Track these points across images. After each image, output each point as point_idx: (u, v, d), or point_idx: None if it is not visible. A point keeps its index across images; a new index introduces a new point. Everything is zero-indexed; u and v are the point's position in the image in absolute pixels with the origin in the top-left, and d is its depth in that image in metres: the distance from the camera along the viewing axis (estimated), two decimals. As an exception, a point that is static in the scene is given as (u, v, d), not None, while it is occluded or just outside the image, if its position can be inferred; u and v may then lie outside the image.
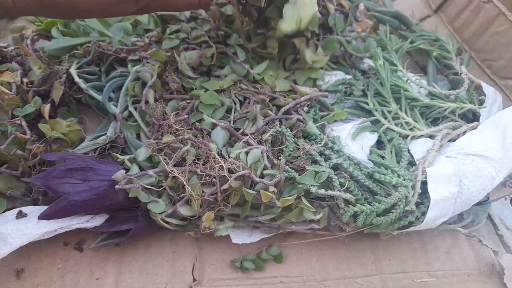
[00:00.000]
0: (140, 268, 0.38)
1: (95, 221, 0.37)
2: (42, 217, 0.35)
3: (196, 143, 0.37)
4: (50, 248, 0.39)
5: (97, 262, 0.38)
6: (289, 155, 0.36)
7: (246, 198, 0.35)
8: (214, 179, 0.36)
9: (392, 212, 0.34)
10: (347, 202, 0.35)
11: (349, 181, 0.34)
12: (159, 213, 0.36)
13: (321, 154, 0.36)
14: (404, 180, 0.34)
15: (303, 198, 0.35)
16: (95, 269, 0.38)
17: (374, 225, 0.34)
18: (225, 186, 0.35)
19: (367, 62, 0.46)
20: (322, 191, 0.33)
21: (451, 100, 0.42)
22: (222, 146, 0.38)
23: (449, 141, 0.39)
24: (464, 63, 0.49)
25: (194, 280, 0.38)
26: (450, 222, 0.38)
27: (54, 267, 0.38)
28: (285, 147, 0.35)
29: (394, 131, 0.40)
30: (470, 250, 0.40)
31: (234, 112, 0.39)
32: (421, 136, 0.40)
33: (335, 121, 0.42)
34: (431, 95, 0.43)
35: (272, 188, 0.34)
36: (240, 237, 0.38)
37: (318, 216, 0.35)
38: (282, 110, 0.39)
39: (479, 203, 0.39)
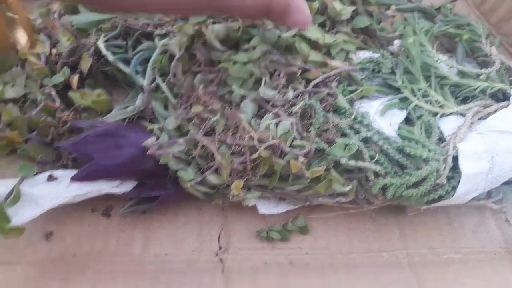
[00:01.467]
0: (168, 235, 0.38)
1: (124, 187, 0.38)
2: (74, 179, 0.35)
3: (225, 113, 0.37)
4: (79, 214, 0.39)
5: (124, 228, 0.39)
6: (319, 128, 0.36)
7: (275, 168, 0.35)
8: (243, 149, 0.36)
9: (422, 185, 0.33)
10: (376, 174, 0.34)
11: (379, 154, 0.34)
12: (189, 181, 0.36)
13: (350, 127, 0.36)
14: (435, 154, 0.34)
15: (332, 170, 0.35)
16: (123, 235, 0.38)
17: (404, 198, 0.34)
18: (255, 156, 0.35)
19: (396, 44, 0.46)
20: (352, 162, 0.33)
21: (482, 80, 0.42)
22: (251, 118, 0.38)
23: (480, 119, 0.39)
24: (495, 45, 0.49)
25: (220, 248, 0.38)
26: (479, 198, 0.38)
27: (83, 231, 0.38)
28: (315, 120, 0.35)
29: (423, 108, 0.39)
30: (497, 229, 0.40)
31: (264, 85, 0.39)
32: (450, 114, 0.39)
33: (362, 97, 0.41)
34: (461, 74, 0.43)
35: (301, 158, 0.34)
36: (267, 208, 0.38)
37: (347, 188, 0.35)
38: (312, 83, 0.39)
39: (507, 183, 0.39)
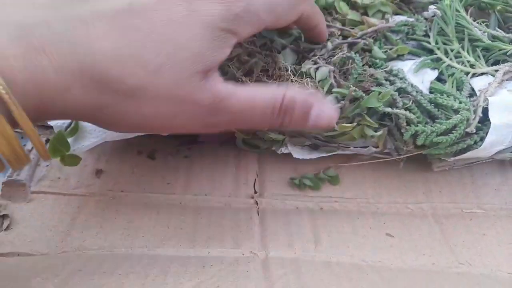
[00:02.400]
0: (207, 178, 0.41)
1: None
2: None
3: (264, 56, 0.39)
4: (125, 155, 0.43)
5: (168, 169, 0.42)
6: (356, 78, 0.37)
7: None
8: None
9: (452, 133, 0.35)
10: (408, 122, 0.36)
11: (412, 102, 0.36)
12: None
13: (386, 79, 0.38)
14: (465, 105, 0.36)
15: (365, 116, 0.36)
16: (167, 175, 0.41)
17: (434, 146, 0.36)
18: None
19: (431, 9, 0.47)
20: (388, 109, 0.35)
21: (513, 44, 0.43)
22: (290, 65, 0.40)
23: (509, 79, 0.40)
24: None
25: (256, 192, 0.41)
26: (506, 152, 0.40)
27: (129, 170, 0.41)
28: (353, 70, 0.37)
29: (455, 67, 0.41)
30: (519, 189, 0.42)
31: (303, 41, 0.41)
32: (481, 74, 0.41)
33: (396, 58, 0.43)
34: (493, 38, 0.44)
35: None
36: (301, 154, 0.40)
37: (379, 133, 0.37)
38: (350, 39, 0.41)
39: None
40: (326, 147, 0.40)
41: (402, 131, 0.37)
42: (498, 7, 0.49)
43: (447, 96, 0.37)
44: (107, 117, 0.24)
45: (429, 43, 0.43)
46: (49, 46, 0.21)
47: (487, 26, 0.47)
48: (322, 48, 0.40)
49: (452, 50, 0.42)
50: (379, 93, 0.36)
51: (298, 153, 0.40)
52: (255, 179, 0.42)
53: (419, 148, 0.38)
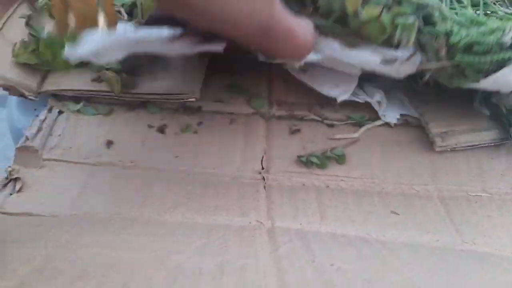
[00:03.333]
0: (215, 153, 0.42)
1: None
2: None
3: None
4: (136, 128, 0.43)
5: (177, 144, 0.42)
6: None
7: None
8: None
9: (489, 37, 0.34)
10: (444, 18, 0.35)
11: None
12: None
13: None
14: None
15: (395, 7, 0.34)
16: (176, 148, 0.42)
17: (467, 52, 0.35)
18: None
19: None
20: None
21: None
22: None
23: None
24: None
25: (263, 168, 0.41)
26: None
27: (139, 143, 0.42)
28: None
29: None
30: (525, 175, 0.42)
31: None
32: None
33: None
34: None
35: None
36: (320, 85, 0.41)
37: (410, 20, 0.34)
38: None
39: None
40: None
41: (436, 20, 0.34)
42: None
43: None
44: None
45: None
46: None
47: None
48: None
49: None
50: None
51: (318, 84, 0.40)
52: (263, 156, 0.42)
53: (450, 58, 0.35)
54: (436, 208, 0.39)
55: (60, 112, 0.44)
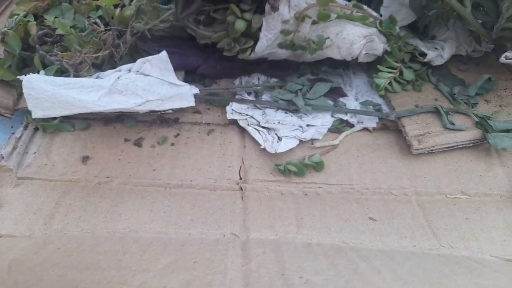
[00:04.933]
0: (193, 165, 0.42)
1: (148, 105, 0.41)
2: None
3: None
4: (112, 142, 0.43)
5: (154, 156, 0.42)
6: None
7: None
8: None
9: None
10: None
11: None
12: None
13: None
14: None
15: None
16: (152, 162, 0.42)
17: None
18: None
19: None
20: None
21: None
22: None
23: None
24: None
25: (241, 178, 0.41)
26: None
27: (116, 157, 0.42)
28: None
29: None
30: (504, 176, 0.42)
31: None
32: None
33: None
34: None
35: None
36: (288, 143, 0.41)
37: None
38: None
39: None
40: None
41: None
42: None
43: None
44: None
45: None
46: None
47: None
48: None
49: None
50: None
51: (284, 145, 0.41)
52: (241, 166, 0.42)
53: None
54: (414, 213, 0.38)
55: (36, 129, 0.44)
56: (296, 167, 0.41)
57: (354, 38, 0.43)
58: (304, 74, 0.49)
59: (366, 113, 0.45)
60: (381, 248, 0.34)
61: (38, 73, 0.39)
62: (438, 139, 0.42)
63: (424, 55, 0.47)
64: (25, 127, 0.44)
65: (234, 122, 0.45)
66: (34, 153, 0.42)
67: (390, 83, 0.47)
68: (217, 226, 0.35)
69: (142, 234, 0.34)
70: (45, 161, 0.41)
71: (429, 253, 0.34)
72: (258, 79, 0.49)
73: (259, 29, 0.41)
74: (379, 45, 0.45)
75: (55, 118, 0.44)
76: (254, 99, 0.46)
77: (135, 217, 0.36)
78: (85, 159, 0.41)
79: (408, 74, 0.47)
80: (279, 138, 0.42)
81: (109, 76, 0.38)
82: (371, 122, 0.45)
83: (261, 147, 0.42)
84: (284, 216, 0.37)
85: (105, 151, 0.42)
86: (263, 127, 0.43)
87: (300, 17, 0.40)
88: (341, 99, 0.47)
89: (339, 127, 0.45)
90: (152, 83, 0.38)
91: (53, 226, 0.35)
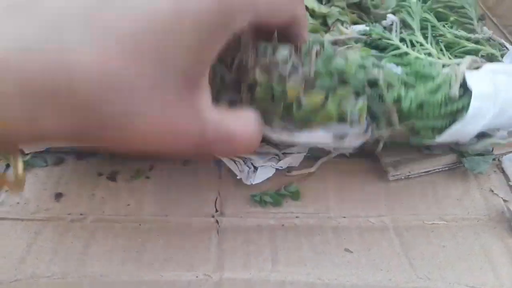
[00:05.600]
0: (168, 198, 0.41)
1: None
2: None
3: None
4: (86, 178, 0.42)
5: (129, 191, 0.41)
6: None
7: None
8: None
9: (437, 93, 0.34)
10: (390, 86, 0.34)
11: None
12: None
13: None
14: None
15: (340, 88, 0.32)
16: (127, 196, 0.41)
17: (419, 115, 0.34)
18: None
19: (390, 18, 0.47)
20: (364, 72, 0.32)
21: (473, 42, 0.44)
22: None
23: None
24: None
25: (216, 211, 0.40)
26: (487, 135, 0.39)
27: (89, 193, 0.41)
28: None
29: (421, 59, 0.40)
30: (481, 199, 0.42)
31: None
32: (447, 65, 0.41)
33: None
34: (455, 36, 0.44)
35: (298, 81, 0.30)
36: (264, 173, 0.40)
37: (359, 104, 0.32)
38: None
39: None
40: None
41: (384, 93, 0.33)
42: (451, 18, 0.50)
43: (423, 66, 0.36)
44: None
45: (391, 39, 0.43)
46: None
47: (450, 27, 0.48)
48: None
49: (417, 42, 0.42)
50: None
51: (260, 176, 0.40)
52: (216, 198, 0.42)
53: (402, 121, 0.35)
54: (391, 241, 0.38)
55: (8, 166, 0.43)
56: (272, 198, 0.41)
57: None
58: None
59: (343, 138, 0.45)
60: (355, 283, 0.34)
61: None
62: (414, 166, 0.42)
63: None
64: (-4, 164, 0.43)
65: (210, 152, 0.45)
66: (6, 191, 0.41)
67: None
68: (190, 267, 0.35)
69: (114, 278, 0.34)
70: (17, 198, 0.40)
71: (405, 287, 0.34)
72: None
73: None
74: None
75: (27, 154, 0.43)
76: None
77: (107, 259, 0.35)
78: (58, 196, 0.41)
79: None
80: (255, 168, 0.42)
81: None
82: (348, 148, 0.45)
83: (237, 177, 0.42)
84: (259, 251, 0.37)
85: (79, 187, 0.42)
86: (239, 157, 0.43)
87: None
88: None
89: (316, 154, 0.45)
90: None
91: (24, 271, 0.34)
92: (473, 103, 0.35)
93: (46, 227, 0.38)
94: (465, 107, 0.35)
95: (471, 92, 0.35)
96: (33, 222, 0.39)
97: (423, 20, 0.44)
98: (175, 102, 0.20)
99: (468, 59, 0.39)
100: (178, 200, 0.41)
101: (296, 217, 0.40)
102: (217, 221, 0.40)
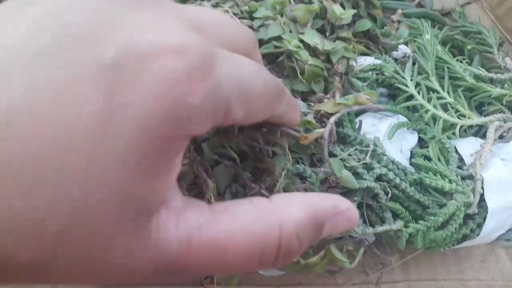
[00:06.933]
0: None
1: None
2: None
3: None
4: None
5: None
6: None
7: None
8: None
9: (451, 224, 0.29)
10: (397, 230, 0.30)
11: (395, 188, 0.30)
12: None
13: (359, 160, 0.29)
14: (457, 185, 0.29)
15: (332, 246, 0.29)
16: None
17: (432, 245, 0.30)
18: None
19: (402, 49, 0.42)
20: (370, 229, 0.29)
21: (497, 86, 0.38)
22: None
23: (500, 138, 0.35)
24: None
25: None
26: (509, 238, 0.34)
27: None
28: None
29: (439, 116, 0.34)
30: (508, 260, 0.37)
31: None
32: (471, 126, 0.35)
33: (365, 112, 0.37)
34: (475, 78, 0.38)
35: None
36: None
37: (354, 265, 0.30)
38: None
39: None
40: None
41: (395, 236, 0.30)
42: (469, 47, 0.44)
43: (434, 175, 0.31)
44: None
45: (406, 85, 0.37)
46: None
47: (468, 64, 0.42)
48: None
49: (434, 91, 0.36)
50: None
51: None
52: None
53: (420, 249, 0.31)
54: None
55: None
56: None
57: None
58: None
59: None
60: None
61: None
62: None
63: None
64: None
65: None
66: None
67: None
68: None
69: None
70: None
71: None
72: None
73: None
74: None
75: None
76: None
77: None
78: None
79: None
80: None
81: None
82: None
83: None
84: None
85: None
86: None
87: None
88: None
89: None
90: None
91: None
92: (488, 224, 0.30)
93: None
94: (481, 224, 0.31)
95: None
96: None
97: (438, 60, 0.38)
98: (121, 234, 0.14)
99: (492, 128, 0.33)
100: None
101: None
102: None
